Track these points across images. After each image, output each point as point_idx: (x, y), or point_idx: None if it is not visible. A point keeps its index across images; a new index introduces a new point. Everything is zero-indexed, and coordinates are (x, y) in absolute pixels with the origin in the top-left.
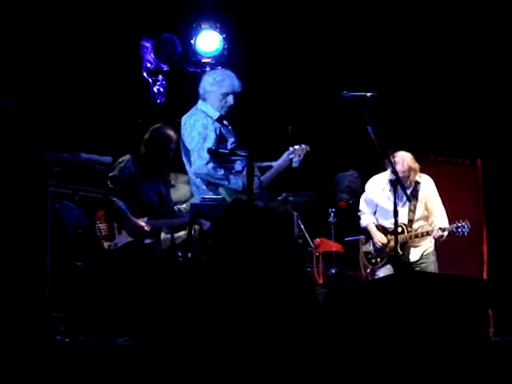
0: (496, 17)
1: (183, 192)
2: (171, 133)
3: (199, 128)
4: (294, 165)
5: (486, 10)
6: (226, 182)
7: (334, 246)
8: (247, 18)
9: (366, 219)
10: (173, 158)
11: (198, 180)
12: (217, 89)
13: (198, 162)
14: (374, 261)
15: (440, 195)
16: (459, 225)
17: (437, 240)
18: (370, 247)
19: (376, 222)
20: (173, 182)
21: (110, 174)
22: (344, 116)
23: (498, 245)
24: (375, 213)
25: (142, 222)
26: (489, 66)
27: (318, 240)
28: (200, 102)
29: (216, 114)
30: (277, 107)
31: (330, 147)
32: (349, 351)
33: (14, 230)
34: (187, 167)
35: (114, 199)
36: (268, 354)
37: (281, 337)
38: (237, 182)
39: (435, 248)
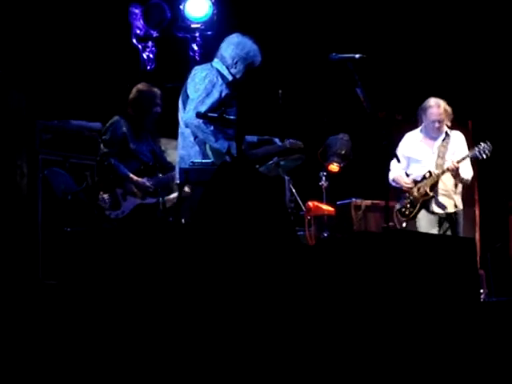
0: None
1: (174, 157)
2: (155, 89)
3: (207, 83)
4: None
5: None
6: (212, 139)
7: (325, 210)
8: None
9: (393, 173)
10: (160, 115)
11: (188, 131)
12: (241, 56)
13: (193, 112)
14: (407, 212)
15: None
16: (480, 147)
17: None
18: (402, 202)
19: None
20: (163, 148)
21: (103, 137)
22: (333, 78)
23: (490, 206)
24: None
25: (144, 180)
26: (476, 26)
27: (309, 203)
28: (216, 60)
29: (230, 77)
30: (267, 71)
31: (320, 110)
32: (335, 309)
33: (4, 197)
34: (180, 114)
35: (113, 162)
36: (259, 321)
37: (272, 303)
38: (223, 143)
39: None
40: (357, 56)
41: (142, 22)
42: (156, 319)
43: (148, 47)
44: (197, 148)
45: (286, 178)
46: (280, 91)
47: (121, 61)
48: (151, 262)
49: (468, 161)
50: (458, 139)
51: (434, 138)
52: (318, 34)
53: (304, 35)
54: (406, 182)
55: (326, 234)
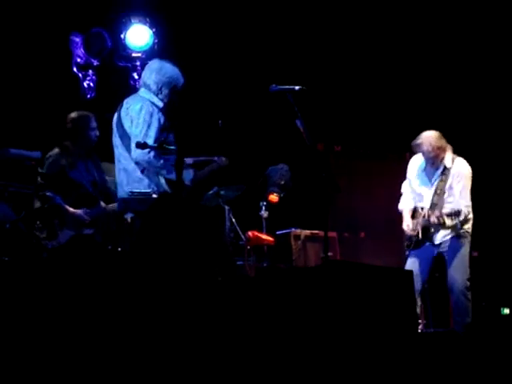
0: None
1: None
2: (87, 113)
3: (145, 115)
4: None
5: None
6: (165, 172)
7: (265, 240)
8: (177, 13)
9: (402, 203)
10: (99, 139)
11: (132, 166)
12: (164, 81)
13: (141, 149)
14: (407, 243)
15: (370, 188)
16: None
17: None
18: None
19: (412, 206)
20: (106, 176)
21: (40, 171)
22: (273, 109)
23: None
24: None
25: (80, 212)
26: (414, 61)
27: (249, 233)
28: (143, 89)
29: (160, 104)
30: (207, 101)
31: (260, 141)
32: (273, 340)
33: None
34: (118, 149)
35: (49, 194)
36: (195, 353)
37: (208, 333)
38: (173, 173)
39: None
40: (296, 88)
41: (82, 50)
42: (91, 346)
43: (88, 76)
44: (146, 182)
45: (226, 207)
46: (220, 121)
47: (61, 89)
48: (86, 290)
49: (460, 199)
50: (457, 173)
51: (435, 169)
52: (258, 66)
53: (244, 66)
54: (405, 226)
55: (265, 264)
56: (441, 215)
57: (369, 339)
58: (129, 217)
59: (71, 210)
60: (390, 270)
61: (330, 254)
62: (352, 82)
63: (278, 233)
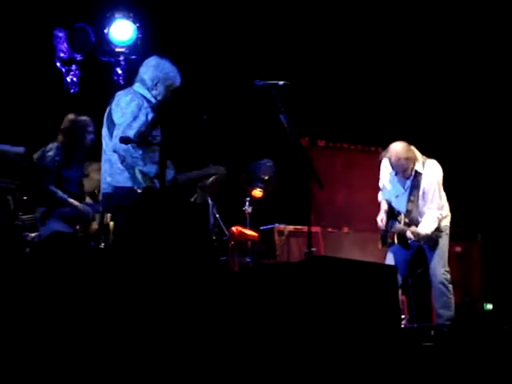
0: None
1: (96, 180)
2: (85, 117)
3: (133, 107)
4: (206, 182)
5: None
6: (141, 163)
7: (249, 235)
8: (160, 7)
9: (381, 195)
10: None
11: (115, 157)
12: (160, 77)
13: (124, 143)
14: (382, 241)
15: (353, 183)
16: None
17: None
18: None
19: (386, 205)
20: (85, 172)
21: (41, 163)
22: (257, 104)
23: None
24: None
25: (85, 206)
26: (396, 54)
27: (233, 229)
28: (138, 84)
29: (153, 100)
30: (191, 96)
31: (244, 136)
32: (257, 337)
33: None
34: (105, 140)
35: (51, 188)
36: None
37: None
38: (151, 167)
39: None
40: (280, 83)
41: (66, 45)
42: (75, 343)
43: (72, 70)
44: (126, 174)
45: (210, 203)
46: (204, 116)
47: (44, 84)
48: (70, 287)
49: (435, 206)
50: (428, 177)
51: (406, 178)
52: (242, 61)
53: (228, 61)
54: (379, 221)
55: (248, 260)
56: (416, 233)
57: (352, 334)
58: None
59: (76, 203)
60: (374, 265)
61: (313, 249)
62: (335, 77)
63: (261, 228)
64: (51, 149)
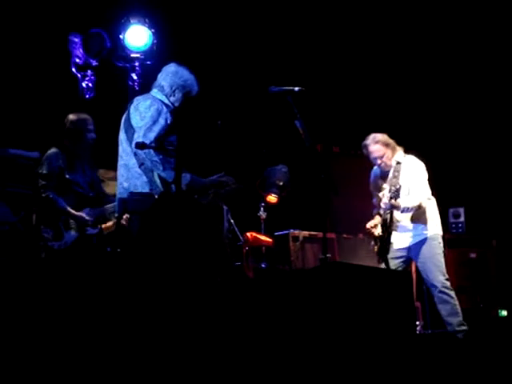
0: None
1: (112, 187)
2: (85, 115)
3: (153, 111)
4: (222, 191)
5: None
6: (160, 168)
7: (263, 241)
8: (176, 13)
9: (375, 211)
10: (96, 142)
11: (132, 161)
12: (179, 84)
13: (142, 139)
14: (373, 246)
15: (368, 189)
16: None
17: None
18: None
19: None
20: (101, 178)
21: (41, 172)
22: (272, 110)
23: None
24: None
25: (82, 214)
26: (412, 62)
27: (247, 234)
28: (156, 90)
29: (171, 106)
30: (206, 102)
31: (260, 141)
32: (273, 342)
33: None
34: (122, 145)
35: (51, 196)
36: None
37: (207, 333)
38: (170, 172)
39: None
40: (296, 89)
41: (81, 50)
42: (92, 347)
43: (87, 76)
44: (144, 178)
45: (225, 208)
46: (219, 122)
47: (59, 89)
48: (87, 292)
49: (414, 186)
50: (409, 166)
51: (386, 172)
52: (258, 67)
53: (244, 67)
54: (368, 225)
55: (263, 265)
56: (397, 204)
57: (367, 341)
58: (127, 217)
59: (73, 212)
60: (389, 272)
61: (328, 255)
62: (351, 83)
63: (276, 234)
64: (50, 156)
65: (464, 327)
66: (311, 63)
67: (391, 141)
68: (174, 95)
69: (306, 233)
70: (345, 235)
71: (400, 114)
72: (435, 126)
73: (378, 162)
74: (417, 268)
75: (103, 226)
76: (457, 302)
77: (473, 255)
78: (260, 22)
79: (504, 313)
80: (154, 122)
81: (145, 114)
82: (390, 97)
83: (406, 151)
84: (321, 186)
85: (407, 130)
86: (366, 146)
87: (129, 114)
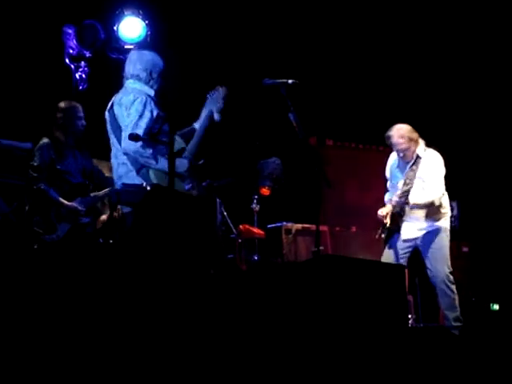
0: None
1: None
2: (74, 103)
3: (137, 105)
4: (216, 117)
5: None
6: (153, 162)
7: (256, 233)
8: (170, 5)
9: (387, 195)
10: (85, 129)
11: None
12: (149, 65)
13: (134, 141)
14: (379, 232)
15: (361, 182)
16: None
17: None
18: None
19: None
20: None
21: (32, 163)
22: (266, 103)
23: None
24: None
25: (75, 204)
26: (405, 53)
27: (240, 227)
28: (131, 81)
29: (152, 92)
30: (199, 93)
31: (253, 134)
32: (264, 334)
33: None
34: (116, 145)
35: (43, 187)
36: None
37: (199, 326)
38: (165, 163)
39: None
40: (290, 81)
41: (75, 41)
42: (86, 340)
43: (81, 67)
44: (140, 179)
45: (218, 200)
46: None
47: (53, 80)
48: (80, 284)
49: (429, 183)
50: (428, 161)
51: (405, 163)
52: (251, 59)
53: (238, 59)
54: (380, 212)
55: (256, 258)
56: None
57: (359, 333)
58: (119, 210)
59: (65, 202)
60: (381, 265)
61: (321, 248)
62: (344, 76)
63: (269, 226)
64: (40, 147)
65: (459, 323)
66: (305, 55)
67: (415, 134)
68: (152, 78)
69: (298, 225)
70: (338, 228)
71: (393, 107)
72: (428, 119)
73: (401, 154)
74: (409, 261)
75: (98, 219)
76: (456, 297)
77: (465, 249)
78: (254, 14)
79: (496, 306)
80: (140, 115)
81: (130, 111)
82: (384, 90)
83: (428, 145)
84: (314, 178)
85: (400, 123)
86: (389, 137)
87: (114, 114)
